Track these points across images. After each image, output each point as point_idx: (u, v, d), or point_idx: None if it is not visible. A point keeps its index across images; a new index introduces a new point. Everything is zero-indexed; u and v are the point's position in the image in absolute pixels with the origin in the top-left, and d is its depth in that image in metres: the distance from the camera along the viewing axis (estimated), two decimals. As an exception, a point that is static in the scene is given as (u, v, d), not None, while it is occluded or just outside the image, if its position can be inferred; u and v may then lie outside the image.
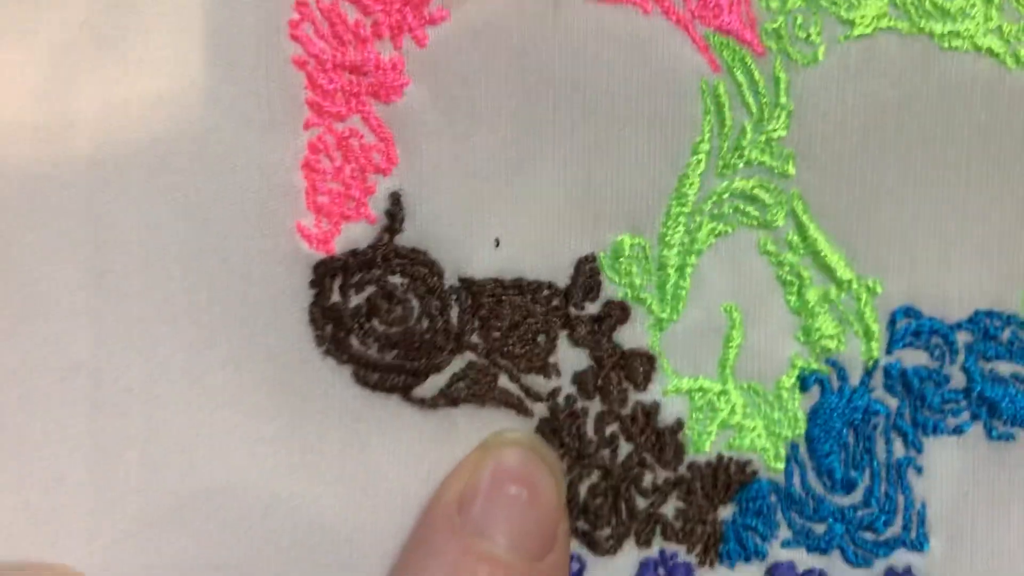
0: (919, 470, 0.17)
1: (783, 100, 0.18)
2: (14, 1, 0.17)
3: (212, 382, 0.16)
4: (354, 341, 0.16)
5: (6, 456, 0.16)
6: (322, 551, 0.17)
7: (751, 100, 0.18)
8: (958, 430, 0.17)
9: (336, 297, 0.16)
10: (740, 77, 0.17)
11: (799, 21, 0.18)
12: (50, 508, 0.16)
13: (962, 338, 0.17)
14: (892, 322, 0.17)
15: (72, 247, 0.16)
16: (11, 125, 0.16)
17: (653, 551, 0.17)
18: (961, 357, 0.18)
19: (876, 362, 0.17)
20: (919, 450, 0.17)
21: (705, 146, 0.17)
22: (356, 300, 0.16)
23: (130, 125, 0.16)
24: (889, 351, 0.17)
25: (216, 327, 0.16)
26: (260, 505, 0.17)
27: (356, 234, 0.16)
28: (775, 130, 0.18)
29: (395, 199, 0.16)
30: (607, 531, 0.17)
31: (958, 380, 0.18)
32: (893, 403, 0.17)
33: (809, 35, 0.18)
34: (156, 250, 0.16)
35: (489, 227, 0.16)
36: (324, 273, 0.16)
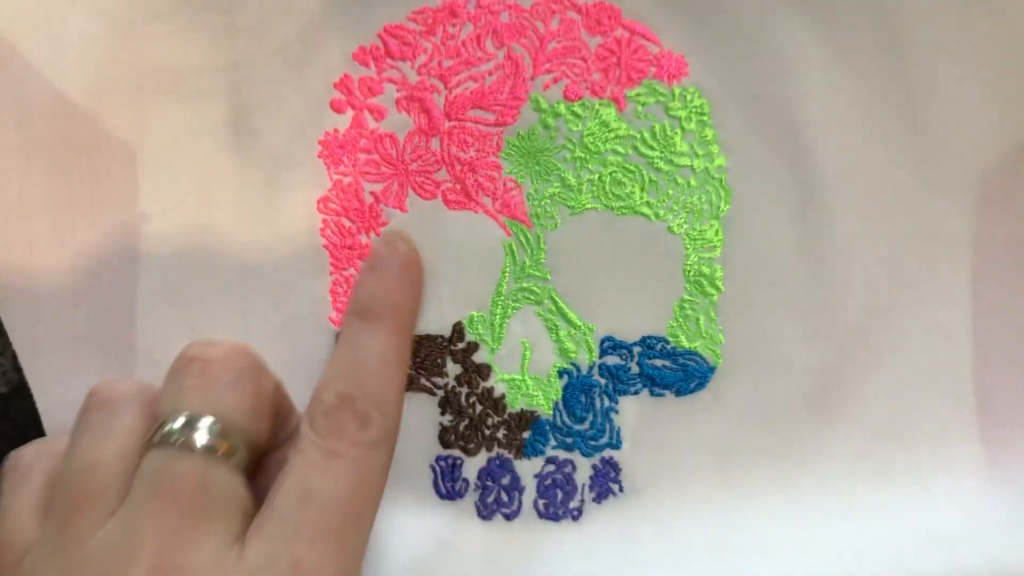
0: (616, 412, 0.33)
1: (542, 246, 0.33)
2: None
3: (293, 377, 0.30)
4: None
5: None
6: None
7: (527, 247, 0.34)
8: (636, 392, 0.33)
9: None
10: (521, 238, 0.33)
11: (547, 208, 0.34)
12: None
13: (637, 349, 0.33)
14: (601, 343, 0.33)
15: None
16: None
17: (494, 453, 0.33)
18: (636, 358, 0.33)
19: (594, 362, 0.33)
20: (616, 403, 0.33)
21: (507, 269, 0.33)
22: None
23: (254, 286, 0.32)
24: (600, 356, 0.33)
25: (298, 368, 0.30)
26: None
27: None
28: (540, 258, 0.33)
29: None
30: (473, 445, 0.33)
31: (635, 369, 0.33)
32: (603, 381, 0.33)
33: (552, 214, 0.34)
34: (269, 335, 0.32)
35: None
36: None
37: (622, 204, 0.32)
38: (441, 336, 0.33)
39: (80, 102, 0.31)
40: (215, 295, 0.32)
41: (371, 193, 0.33)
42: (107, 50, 0.32)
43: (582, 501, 0.33)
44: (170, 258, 0.32)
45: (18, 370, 0.32)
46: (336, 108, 0.32)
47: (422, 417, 0.33)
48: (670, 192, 0.32)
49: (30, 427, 0.33)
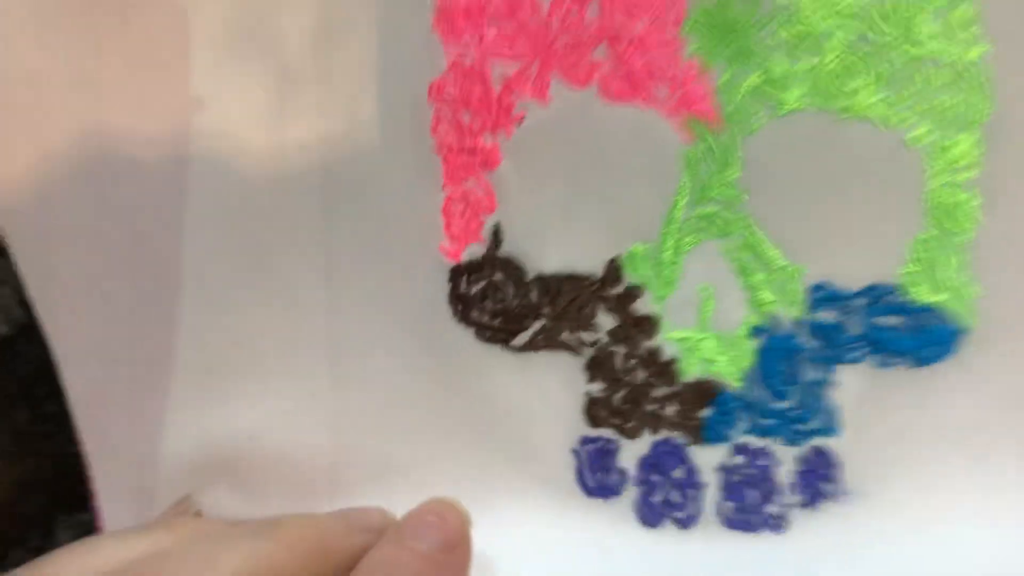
0: (831, 386, 0.27)
1: (736, 156, 0.27)
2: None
3: (395, 341, 0.27)
4: (474, 314, 0.27)
5: (281, 376, 0.27)
6: (454, 438, 0.28)
7: (715, 158, 0.27)
8: (857, 360, 0.27)
9: (464, 288, 0.27)
10: (707, 144, 0.27)
11: (745, 106, 0.27)
12: (308, 410, 0.28)
13: (859, 302, 0.27)
14: (813, 292, 0.27)
15: (312, 251, 0.27)
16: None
17: (661, 436, 0.28)
18: (859, 314, 0.27)
19: (802, 318, 0.27)
20: (831, 373, 0.27)
21: (685, 189, 0.27)
22: (475, 289, 0.27)
23: (345, 201, 0.27)
24: (810, 311, 0.27)
25: (396, 308, 0.27)
26: (423, 415, 0.28)
27: (474, 250, 0.27)
28: (731, 175, 0.27)
29: (496, 228, 0.27)
30: (632, 423, 0.28)
31: (857, 329, 0.27)
32: (813, 344, 0.27)
33: (752, 115, 0.27)
34: (364, 257, 0.27)
35: (554, 243, 0.27)
36: (456, 274, 0.27)
37: (846, 104, 0.26)
38: (591, 277, 0.27)
39: None
40: (287, 211, 0.27)
41: (502, 78, 0.26)
42: None
43: (785, 506, 0.27)
44: (225, 161, 0.25)
45: (25, 305, 0.28)
46: None
47: (563, 386, 0.28)
48: (910, 90, 0.26)
49: (39, 380, 0.28)
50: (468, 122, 0.26)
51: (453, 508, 0.26)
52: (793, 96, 0.26)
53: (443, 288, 0.28)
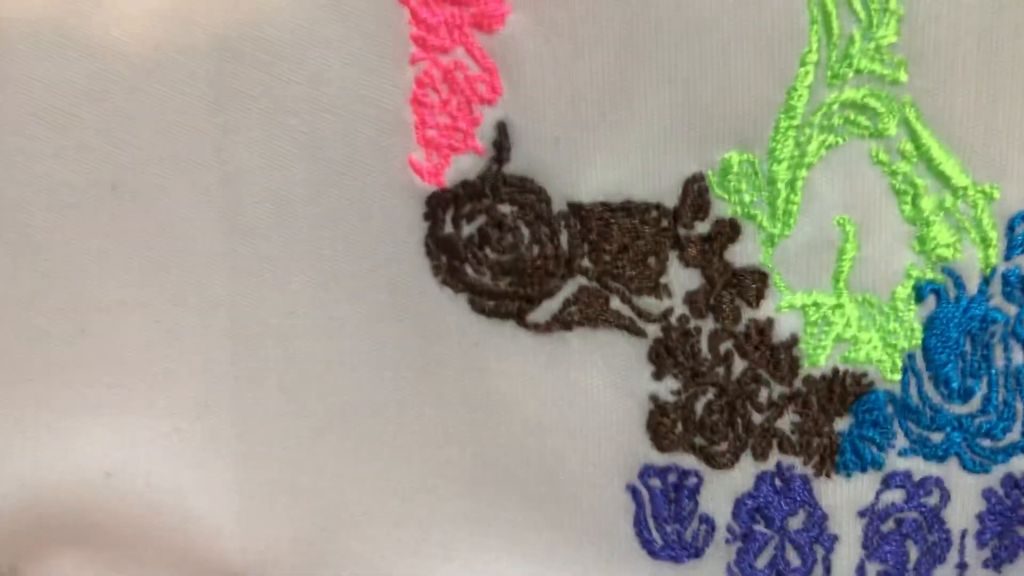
0: None
1: (893, 6, 0.19)
2: None
3: (340, 313, 0.19)
4: (469, 270, 0.19)
5: (158, 387, 0.19)
6: (448, 470, 0.20)
7: (859, 7, 0.19)
8: None
9: (449, 228, 0.19)
10: None
11: None
12: (200, 432, 0.19)
13: None
14: (1011, 228, 0.19)
15: (206, 192, 0.19)
16: (135, 67, 0.19)
17: (770, 464, 0.19)
18: None
19: (994, 269, 0.20)
20: None
21: (813, 56, 0.19)
22: (468, 230, 0.19)
23: (245, 69, 0.18)
24: (1008, 257, 0.20)
25: (340, 261, 0.19)
26: (391, 425, 0.20)
27: (465, 165, 0.18)
28: (885, 37, 0.19)
29: (501, 129, 0.18)
30: (724, 446, 0.19)
31: None
32: (1012, 310, 0.20)
33: None
34: (281, 190, 0.19)
35: (596, 151, 0.19)
36: (436, 205, 0.18)
37: None
38: (659, 206, 0.18)
39: None
40: (182, 91, 0.18)
41: None
42: None
43: (963, 565, 0.20)
44: None
45: None
46: None
47: (613, 385, 0.19)
48: None
49: None
50: None
51: None
52: None
53: (416, 229, 0.19)
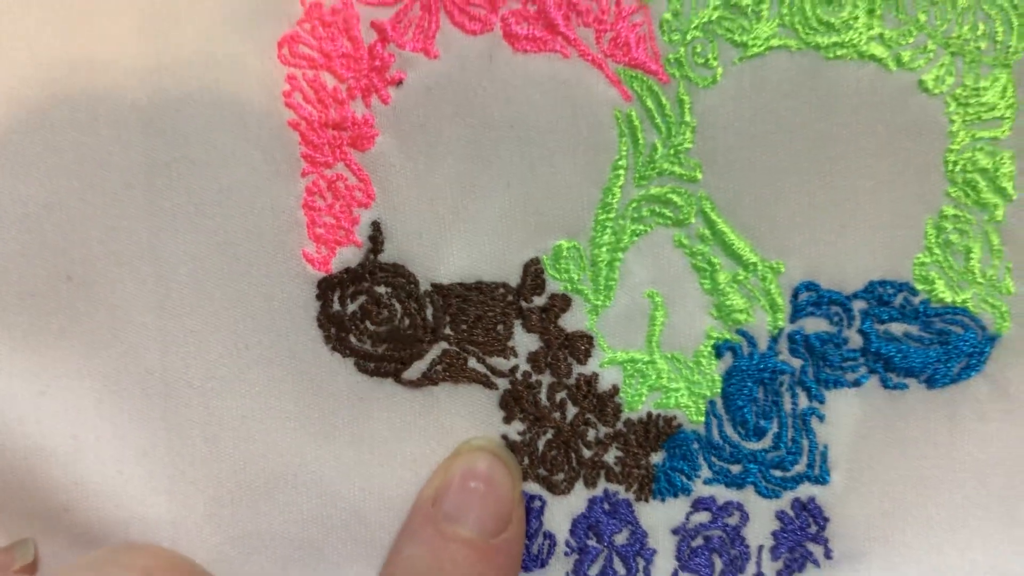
0: (821, 418, 0.24)
1: (687, 119, 0.24)
2: None
3: (251, 376, 0.24)
4: (353, 339, 0.24)
5: (104, 439, 0.24)
6: (338, 501, 0.24)
7: (659, 122, 0.24)
8: (856, 383, 0.24)
9: (337, 306, 0.24)
10: (649, 103, 0.24)
11: (698, 49, 0.23)
12: (140, 475, 0.24)
13: (858, 305, 0.24)
14: (795, 296, 0.23)
15: (142, 281, 0.24)
16: (84, 183, 0.23)
17: (599, 490, 0.24)
18: (857, 322, 0.24)
19: (781, 330, 0.24)
20: (821, 401, 0.24)
21: (623, 163, 0.24)
22: (352, 307, 0.24)
23: (172, 184, 0.23)
24: (793, 320, 0.24)
25: (250, 334, 0.23)
26: (293, 466, 0.25)
27: (348, 256, 0.23)
28: (682, 144, 0.24)
29: (375, 227, 0.23)
30: (561, 476, 0.24)
31: (855, 341, 0.24)
32: (797, 363, 0.24)
33: (707, 60, 0.23)
34: (202, 278, 0.24)
35: (451, 243, 0.23)
36: (326, 288, 0.23)
37: (835, 40, 0.22)
38: (503, 284, 0.24)
39: None
40: (105, 215, 0.23)
41: (372, 24, 0.22)
42: None
43: (760, 575, 0.24)
44: (27, 155, 0.22)
45: None
46: None
47: (474, 426, 0.24)
48: (922, 18, 0.22)
49: None
50: (332, 87, 0.22)
51: (499, 462, 0.23)
52: (763, 32, 0.22)
53: (310, 307, 0.24)
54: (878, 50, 0.22)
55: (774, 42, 0.22)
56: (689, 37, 0.22)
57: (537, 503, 0.24)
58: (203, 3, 0.23)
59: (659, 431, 0.24)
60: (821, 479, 0.23)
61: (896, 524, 0.24)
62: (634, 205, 0.23)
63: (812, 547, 0.23)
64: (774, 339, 0.23)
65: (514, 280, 0.24)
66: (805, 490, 0.24)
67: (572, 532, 0.24)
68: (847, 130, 0.23)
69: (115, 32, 0.23)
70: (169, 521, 0.24)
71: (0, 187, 0.23)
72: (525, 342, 0.24)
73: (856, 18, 0.22)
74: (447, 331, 0.24)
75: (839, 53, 0.22)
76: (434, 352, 0.24)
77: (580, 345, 0.24)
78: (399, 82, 0.22)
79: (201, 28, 0.23)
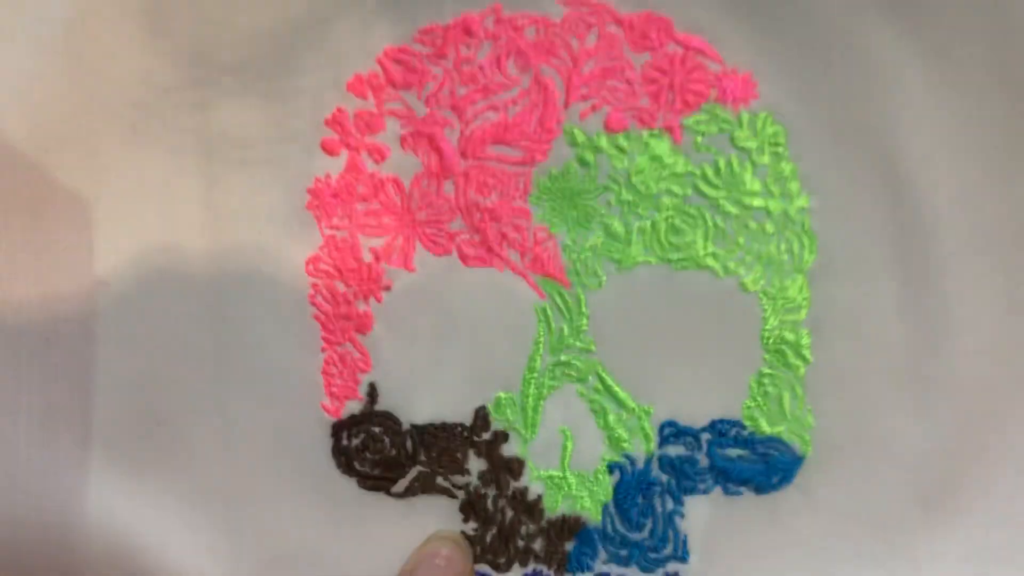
0: (682, 516, 0.32)
1: (583, 310, 0.32)
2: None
3: (285, 491, 0.32)
4: (356, 464, 0.32)
5: (183, 535, 0.31)
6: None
7: (565, 312, 0.32)
8: (706, 491, 0.32)
9: (345, 441, 0.32)
10: (557, 301, 0.32)
11: (588, 264, 0.32)
12: (206, 563, 0.32)
13: (705, 436, 0.32)
14: (661, 430, 0.32)
15: (212, 428, 0.32)
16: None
17: (529, 569, 0.32)
18: (705, 448, 0.32)
19: (652, 455, 0.32)
20: (681, 504, 0.32)
21: (541, 340, 0.32)
22: (355, 442, 0.32)
23: (231, 358, 0.31)
24: (660, 447, 0.32)
25: (285, 462, 0.32)
26: (312, 553, 0.32)
27: (352, 407, 0.32)
28: (580, 327, 0.32)
29: (372, 387, 0.32)
30: (503, 559, 0.32)
31: (704, 462, 0.32)
32: (665, 478, 0.32)
33: (595, 271, 0.32)
34: (253, 424, 0.32)
35: (424, 396, 0.32)
36: (338, 429, 0.32)
37: (681, 256, 0.31)
38: (461, 425, 0.32)
39: (23, 149, 0.30)
40: (185, 377, 0.32)
41: (371, 250, 0.31)
42: (53, 88, 0.30)
43: None
44: (132, 335, 0.31)
45: None
46: (328, 149, 0.31)
47: (441, 524, 0.32)
48: (741, 240, 0.31)
49: None
50: (343, 290, 0.32)
51: (458, 546, 0.31)
52: (633, 253, 0.31)
53: (326, 442, 0.32)
54: (711, 262, 0.31)
55: (640, 258, 0.31)
56: (582, 256, 0.31)
57: None
58: (257, 219, 0.31)
59: (570, 527, 0.32)
60: (683, 559, 0.31)
61: None
62: (550, 368, 0.32)
63: (678, 607, 0.32)
64: (648, 461, 0.32)
65: (468, 420, 0.32)
66: (672, 567, 0.32)
67: (512, 600, 0.33)
68: (692, 316, 0.31)
69: (184, 222, 0.31)
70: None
71: (115, 358, 0.32)
72: (476, 465, 0.32)
73: (695, 241, 0.31)
74: (422, 458, 0.32)
75: (684, 265, 0.31)
76: (413, 473, 0.32)
77: (515, 467, 0.32)
78: (388, 288, 0.31)
79: (253, 230, 0.31)
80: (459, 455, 0.32)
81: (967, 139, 0.30)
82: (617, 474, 0.32)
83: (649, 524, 0.32)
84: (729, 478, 0.31)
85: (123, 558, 0.32)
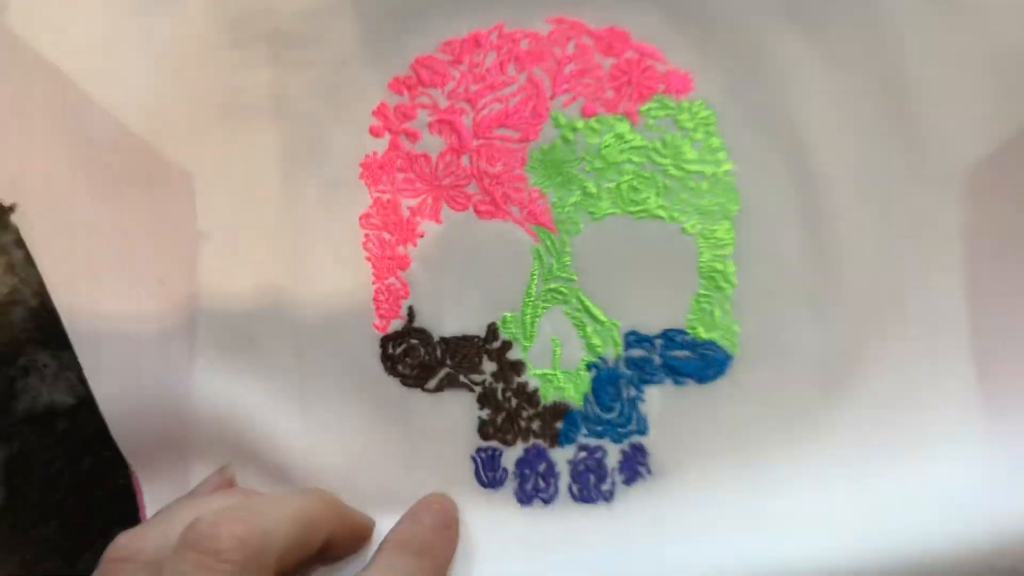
0: (642, 401, 0.38)
1: (567, 249, 0.38)
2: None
3: (348, 390, 0.39)
4: (399, 367, 0.39)
5: (277, 415, 0.39)
6: (389, 450, 0.39)
7: (554, 251, 0.39)
8: (660, 382, 0.38)
9: (391, 350, 0.39)
10: (547, 243, 0.38)
11: (570, 215, 0.39)
12: (300, 444, 0.39)
13: (658, 342, 0.38)
14: (626, 337, 0.38)
15: (288, 336, 0.39)
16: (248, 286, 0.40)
17: (529, 443, 0.39)
18: (658, 350, 0.38)
19: (620, 356, 0.38)
20: (641, 392, 0.38)
21: (535, 272, 0.38)
22: (398, 350, 0.39)
23: (298, 278, 0.39)
24: (625, 350, 0.38)
25: (348, 369, 0.39)
26: (370, 443, 0.39)
27: (396, 324, 0.39)
28: (566, 261, 0.38)
29: (410, 309, 0.39)
30: (510, 436, 0.38)
31: (657, 361, 0.38)
32: (629, 372, 0.38)
33: (575, 220, 0.39)
34: (326, 334, 0.39)
35: (450, 316, 0.39)
36: (385, 341, 0.39)
37: (639, 209, 0.38)
38: (477, 336, 0.39)
39: (140, 133, 0.38)
40: (267, 305, 0.39)
41: (408, 208, 0.39)
42: (164, 85, 0.38)
43: (613, 484, 0.38)
44: (227, 274, 0.39)
45: (84, 383, 0.39)
46: (375, 133, 0.39)
47: (462, 412, 0.39)
48: (683, 196, 0.38)
49: (97, 438, 0.40)
50: (387, 238, 0.39)
51: (447, 499, 0.38)
52: (603, 207, 0.38)
53: (376, 351, 0.39)
54: (662, 213, 0.37)
55: (608, 211, 0.38)
56: (566, 209, 0.38)
57: (498, 452, 0.38)
58: (322, 186, 0.38)
59: (559, 411, 0.39)
60: (643, 432, 0.38)
61: (686, 456, 0.38)
62: (543, 294, 0.38)
63: (640, 468, 0.38)
64: (617, 361, 0.38)
65: (482, 333, 0.39)
66: (635, 439, 0.38)
67: (516, 466, 0.39)
68: (647, 255, 0.38)
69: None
70: (313, 466, 0.39)
71: (215, 292, 0.38)
72: (489, 366, 0.39)
73: (649, 198, 0.37)
74: (448, 362, 0.39)
75: (641, 215, 0.37)
76: (441, 373, 0.39)
77: (517, 367, 0.39)
78: (421, 236, 0.39)
79: (320, 194, 0.39)
80: (476, 359, 0.39)
81: (850, 112, 0.36)
82: (594, 371, 0.39)
83: (618, 407, 0.38)
84: (677, 373, 0.38)
85: (228, 437, 0.39)
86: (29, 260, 0.38)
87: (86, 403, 0.40)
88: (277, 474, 0.39)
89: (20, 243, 0.39)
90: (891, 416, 0.37)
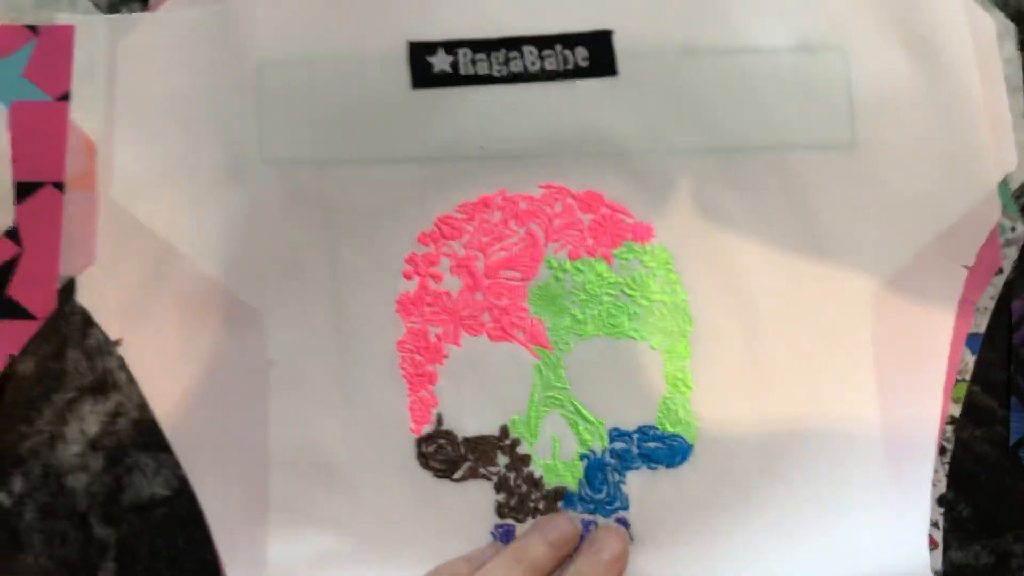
0: (624, 483, 0.44)
1: (561, 364, 0.44)
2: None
3: (390, 479, 0.44)
4: (431, 462, 0.44)
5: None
6: (423, 526, 0.45)
7: (550, 367, 0.44)
8: (637, 468, 0.44)
9: (424, 449, 0.44)
10: (545, 359, 0.44)
11: (563, 337, 0.46)
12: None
13: (636, 436, 0.44)
14: (610, 433, 0.44)
15: (335, 423, 0.46)
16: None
17: (537, 519, 0.44)
18: (636, 443, 0.44)
19: (605, 448, 0.44)
20: (623, 476, 0.44)
21: (537, 383, 0.44)
22: (430, 448, 0.44)
23: (358, 391, 0.47)
24: (610, 443, 0.44)
25: (389, 465, 0.44)
26: (404, 519, 0.44)
27: (428, 428, 0.44)
28: (560, 373, 0.44)
29: (439, 416, 0.44)
30: (521, 515, 0.44)
31: (635, 451, 0.44)
32: (613, 461, 0.44)
33: (567, 341, 0.46)
34: (374, 437, 0.45)
35: (471, 421, 0.45)
36: (419, 442, 0.44)
37: (616, 330, 0.45)
38: (493, 436, 0.45)
39: (220, 280, 0.46)
40: (326, 413, 0.45)
41: (435, 335, 0.45)
42: (238, 242, 0.45)
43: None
44: (293, 389, 0.46)
45: (178, 478, 0.46)
46: (407, 276, 0.46)
47: (483, 496, 0.45)
48: (649, 320, 0.44)
49: (189, 521, 0.46)
50: (419, 360, 0.45)
51: (621, 531, 0.44)
52: (588, 329, 0.45)
53: (412, 450, 0.45)
54: (634, 334, 0.43)
55: (592, 333, 0.44)
56: (559, 332, 0.43)
57: (512, 527, 0.44)
58: (366, 320, 0.45)
59: (559, 493, 0.44)
60: (626, 508, 0.44)
61: (660, 526, 0.44)
62: (543, 400, 0.44)
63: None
64: (603, 451, 0.44)
65: (496, 432, 0.45)
66: (620, 514, 0.44)
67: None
68: (623, 367, 0.44)
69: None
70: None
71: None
72: (503, 459, 0.44)
73: (624, 322, 0.43)
74: (470, 457, 0.44)
75: (618, 336, 0.44)
76: (465, 466, 0.44)
77: (526, 460, 0.44)
78: (446, 356, 0.45)
79: (365, 328, 0.46)
80: (492, 454, 0.45)
81: (777, 250, 0.44)
82: (585, 461, 0.45)
83: (605, 489, 0.44)
84: (650, 460, 0.44)
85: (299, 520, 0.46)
86: (131, 380, 0.46)
87: (179, 494, 0.46)
88: (334, 550, 0.45)
89: (123, 367, 0.46)
90: (817, 490, 0.44)
